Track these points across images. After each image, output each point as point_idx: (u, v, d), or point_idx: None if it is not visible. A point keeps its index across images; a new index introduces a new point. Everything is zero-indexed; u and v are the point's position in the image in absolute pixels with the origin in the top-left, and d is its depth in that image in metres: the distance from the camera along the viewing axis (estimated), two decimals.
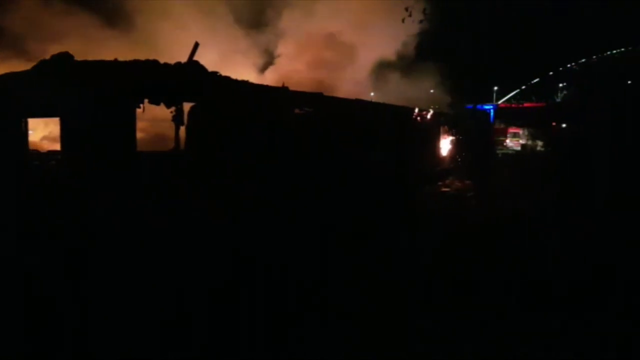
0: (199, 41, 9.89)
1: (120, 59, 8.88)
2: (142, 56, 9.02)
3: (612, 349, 5.49)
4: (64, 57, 8.69)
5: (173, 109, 9.57)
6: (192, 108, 9.82)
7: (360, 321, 6.17)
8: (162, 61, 9.16)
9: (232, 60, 27.48)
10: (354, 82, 31.57)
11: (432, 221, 12.32)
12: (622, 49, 49.51)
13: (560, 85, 51.98)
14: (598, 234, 9.60)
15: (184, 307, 6.08)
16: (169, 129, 9.95)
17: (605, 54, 50.45)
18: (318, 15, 32.86)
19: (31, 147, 11.57)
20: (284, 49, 33.08)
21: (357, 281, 7.54)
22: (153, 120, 10.10)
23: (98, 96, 8.29)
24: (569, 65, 51.79)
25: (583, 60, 51.21)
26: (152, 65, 9.00)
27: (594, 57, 50.83)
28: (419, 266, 8.31)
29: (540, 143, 34.51)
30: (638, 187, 11.47)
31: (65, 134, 8.80)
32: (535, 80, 53.36)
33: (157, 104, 9.31)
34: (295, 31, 33.18)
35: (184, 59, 9.68)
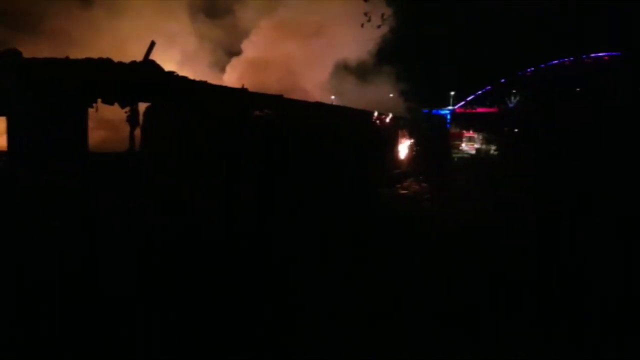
0: (155, 39, 9.72)
1: (72, 56, 8.60)
2: (95, 54, 8.77)
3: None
4: (12, 54, 8.32)
5: (128, 109, 9.35)
6: (147, 109, 9.62)
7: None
8: (116, 60, 8.92)
9: (191, 59, 26.97)
10: (314, 85, 31.65)
11: (391, 222, 12.49)
12: (571, 58, 51.80)
13: (514, 91, 53.80)
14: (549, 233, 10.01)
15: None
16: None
17: (552, 63, 52.66)
18: (278, 17, 32.78)
19: None
20: (246, 48, 32.77)
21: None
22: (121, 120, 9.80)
23: (48, 95, 7.99)
24: (519, 74, 53.74)
25: (532, 69, 53.24)
26: (106, 63, 8.74)
27: (542, 65, 52.91)
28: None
29: (493, 147, 35.63)
30: (582, 186, 11.99)
31: (12, 134, 8.42)
32: (488, 87, 55.16)
33: (111, 104, 9.06)
34: (256, 31, 32.91)
35: (139, 57, 9.47)
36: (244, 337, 5.65)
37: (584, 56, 50.85)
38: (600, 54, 50.55)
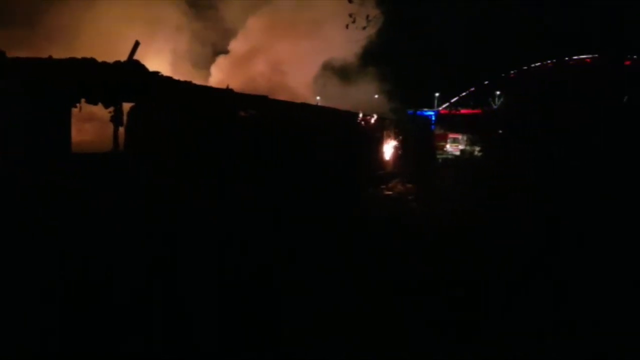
0: (142, 37, 9.71)
1: (56, 55, 8.55)
2: (79, 54, 8.72)
3: None
4: None
5: (112, 109, 9.30)
6: (132, 108, 9.58)
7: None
8: (100, 59, 8.88)
9: (178, 58, 26.79)
10: (300, 85, 31.65)
11: (376, 222, 12.57)
12: (553, 60, 52.54)
13: (497, 93, 54.40)
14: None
15: None
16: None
17: (535, 65, 53.37)
18: (266, 17, 32.69)
19: None
20: (233, 47, 32.59)
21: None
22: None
23: (31, 95, 7.92)
24: (503, 75, 54.34)
25: (515, 70, 53.91)
26: (90, 63, 8.70)
27: (525, 67, 53.60)
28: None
29: (477, 148, 35.97)
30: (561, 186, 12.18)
31: None
32: (471, 89, 55.77)
33: (95, 103, 9.01)
34: (244, 30, 32.75)
35: (124, 57, 9.45)
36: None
37: (567, 58, 51.59)
38: (582, 56, 51.36)
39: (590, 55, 51.46)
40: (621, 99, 14.35)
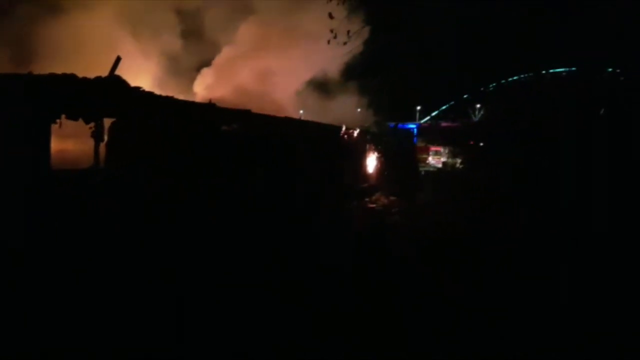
0: (126, 50, 9.66)
1: (37, 69, 8.45)
2: (59, 69, 8.63)
3: None
4: None
5: (92, 124, 9.20)
6: (113, 124, 9.49)
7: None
8: (81, 74, 8.80)
9: (163, 72, 26.75)
10: (284, 98, 31.73)
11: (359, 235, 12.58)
12: (530, 74, 53.56)
13: (478, 106, 55.23)
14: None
15: None
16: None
17: (513, 78, 54.42)
18: (252, 31, 32.79)
19: None
20: (218, 59, 32.60)
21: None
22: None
23: (9, 111, 7.80)
24: (482, 89, 55.26)
25: (494, 84, 54.85)
26: (70, 79, 8.61)
27: (503, 81, 54.59)
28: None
29: (459, 160, 36.33)
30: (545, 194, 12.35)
31: None
32: (452, 102, 56.70)
33: (75, 119, 8.90)
34: (230, 43, 32.81)
35: (105, 73, 9.38)
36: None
37: (543, 72, 52.59)
38: (558, 70, 52.41)
39: (565, 69, 52.66)
40: (598, 111, 14.66)
